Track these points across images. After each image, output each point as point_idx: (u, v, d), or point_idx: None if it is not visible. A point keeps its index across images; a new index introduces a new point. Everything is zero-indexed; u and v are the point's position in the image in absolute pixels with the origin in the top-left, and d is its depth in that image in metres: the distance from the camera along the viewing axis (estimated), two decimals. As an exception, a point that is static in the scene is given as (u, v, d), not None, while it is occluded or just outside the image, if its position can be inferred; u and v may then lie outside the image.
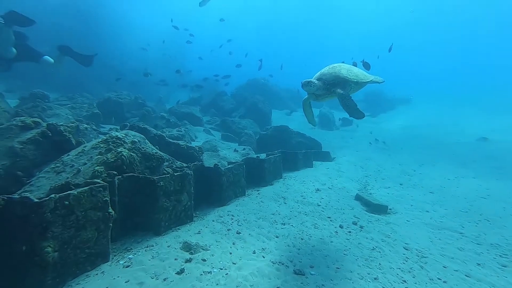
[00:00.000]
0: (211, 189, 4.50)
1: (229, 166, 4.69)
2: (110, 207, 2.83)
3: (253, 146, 8.39)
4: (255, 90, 19.21)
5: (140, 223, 3.49)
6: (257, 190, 5.33)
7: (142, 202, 3.46)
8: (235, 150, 6.63)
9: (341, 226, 4.08)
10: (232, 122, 12.00)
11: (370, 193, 5.85)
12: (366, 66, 7.00)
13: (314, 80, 3.80)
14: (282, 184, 5.85)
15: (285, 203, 4.80)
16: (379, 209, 4.85)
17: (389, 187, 6.51)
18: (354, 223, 4.22)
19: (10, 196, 2.25)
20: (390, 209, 4.98)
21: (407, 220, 4.56)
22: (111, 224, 2.84)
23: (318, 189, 5.70)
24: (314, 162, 8.01)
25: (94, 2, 19.54)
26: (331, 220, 4.28)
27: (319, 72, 4.00)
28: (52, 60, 6.99)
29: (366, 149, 11.60)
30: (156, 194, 3.42)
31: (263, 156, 6.23)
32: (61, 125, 4.31)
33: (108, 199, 2.81)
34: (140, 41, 21.65)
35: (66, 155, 3.75)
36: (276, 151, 6.59)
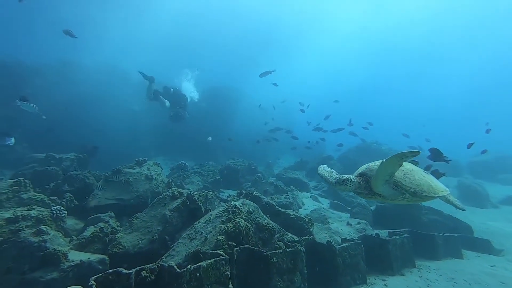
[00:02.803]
0: (325, 271, 4.01)
1: (344, 244, 4.15)
2: (230, 283, 2.94)
3: (368, 219, 7.26)
4: (366, 154, 17.61)
5: (254, 302, 3.41)
6: (383, 280, 4.30)
7: (256, 279, 3.44)
8: (348, 224, 5.92)
9: None
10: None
11: None
12: (437, 174, 4.61)
13: (351, 177, 3.04)
14: (418, 277, 4.49)
15: (427, 305, 3.59)
16: None
17: None
18: None
19: (163, 264, 2.73)
20: None
21: None
22: (229, 301, 2.90)
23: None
24: (463, 251, 5.98)
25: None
26: None
27: (368, 164, 3.20)
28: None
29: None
30: (270, 272, 3.34)
31: (384, 234, 5.22)
32: (196, 194, 5.26)
33: (229, 273, 2.95)
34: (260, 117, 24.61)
35: (197, 222, 4.42)
36: (401, 230, 5.41)
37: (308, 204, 9.56)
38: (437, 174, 4.29)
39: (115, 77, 20.94)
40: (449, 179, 16.51)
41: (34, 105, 8.98)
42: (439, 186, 3.11)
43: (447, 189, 3.19)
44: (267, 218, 4.70)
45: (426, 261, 5.28)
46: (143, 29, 33.56)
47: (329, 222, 5.83)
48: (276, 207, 5.60)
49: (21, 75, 15.35)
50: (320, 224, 5.61)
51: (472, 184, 12.89)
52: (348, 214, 8.08)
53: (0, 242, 3.36)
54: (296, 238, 4.20)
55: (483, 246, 6.33)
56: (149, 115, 19.32)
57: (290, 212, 5.40)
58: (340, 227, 5.58)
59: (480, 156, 19.67)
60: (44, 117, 9.55)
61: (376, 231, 5.51)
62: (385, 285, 4.13)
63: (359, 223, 5.91)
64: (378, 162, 3.03)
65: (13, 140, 6.46)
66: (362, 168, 3.16)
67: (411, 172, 3.00)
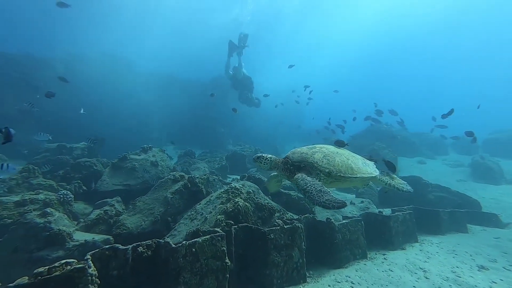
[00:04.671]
0: (324, 247, 4.03)
1: (344, 221, 4.13)
2: (227, 257, 2.99)
3: (374, 199, 7.20)
4: (376, 137, 17.17)
5: (252, 278, 3.48)
6: (383, 254, 4.31)
7: (254, 255, 3.49)
8: (352, 203, 5.88)
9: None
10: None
11: None
12: (390, 166, 4.48)
13: (267, 156, 3.15)
14: (418, 250, 4.50)
15: (426, 278, 3.58)
16: None
17: None
18: None
19: (159, 240, 2.80)
20: None
21: None
22: (228, 275, 2.96)
23: (482, 267, 3.96)
24: (469, 226, 5.86)
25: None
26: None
27: (295, 148, 3.31)
28: None
29: None
30: (267, 248, 3.38)
31: (387, 211, 5.17)
32: (197, 177, 5.33)
33: (225, 248, 3.00)
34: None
35: (198, 203, 4.49)
36: (405, 207, 5.34)
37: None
38: (390, 166, 4.29)
39: (122, 68, 21.05)
40: (464, 157, 16.06)
41: (82, 110, 10.65)
42: (362, 169, 3.09)
43: (374, 173, 3.17)
44: (267, 199, 4.72)
45: (430, 236, 5.25)
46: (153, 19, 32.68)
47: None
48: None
49: (31, 68, 15.64)
50: (322, 204, 5.59)
51: (485, 161, 12.49)
52: (354, 195, 8.02)
53: (9, 223, 3.53)
54: (295, 216, 4.21)
55: (490, 220, 6.24)
56: (160, 105, 19.49)
57: (292, 192, 5.40)
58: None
59: (495, 134, 18.91)
60: (83, 111, 10.81)
61: (380, 210, 5.46)
62: (384, 258, 4.14)
63: (362, 202, 5.87)
64: (305, 148, 3.11)
65: (50, 136, 6.81)
66: (291, 150, 3.23)
67: (332, 155, 3.02)
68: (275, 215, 4.29)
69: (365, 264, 3.96)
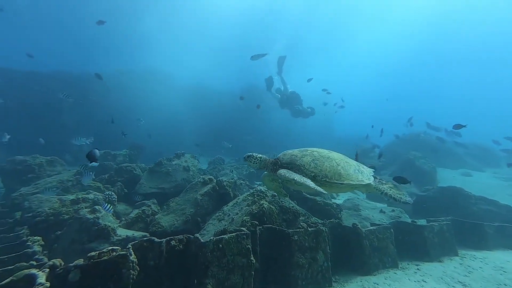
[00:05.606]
0: (351, 253, 3.96)
1: (372, 228, 4.03)
2: (252, 255, 3.13)
3: (407, 209, 6.81)
4: (413, 146, 16.02)
5: (277, 278, 3.56)
6: (416, 265, 4.08)
7: (279, 255, 3.58)
8: (382, 211, 5.65)
9: None
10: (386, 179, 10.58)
11: None
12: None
13: (257, 155, 3.20)
14: (458, 264, 4.17)
15: (466, 292, 3.33)
16: None
17: None
18: None
19: (189, 235, 3.05)
20: None
21: None
22: (253, 272, 3.09)
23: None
24: None
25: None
26: None
27: (287, 151, 3.31)
28: None
29: None
30: (291, 249, 3.45)
31: (422, 222, 4.89)
32: (225, 181, 5.59)
33: (250, 247, 3.14)
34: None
35: (225, 205, 4.73)
36: (442, 218, 4.99)
37: (343, 194, 9.27)
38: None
39: (160, 82, 22.82)
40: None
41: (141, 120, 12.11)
42: (352, 176, 2.99)
43: (366, 180, 3.01)
44: (292, 202, 4.79)
45: (473, 251, 4.80)
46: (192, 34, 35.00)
47: (360, 209, 5.64)
48: (303, 193, 5.63)
49: (87, 83, 17.73)
50: (350, 211, 5.47)
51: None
52: (385, 204, 7.64)
53: (67, 218, 4.10)
54: (320, 221, 4.21)
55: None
56: (193, 115, 20.69)
57: (318, 198, 5.38)
58: (372, 214, 5.37)
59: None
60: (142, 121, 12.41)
61: (413, 220, 5.17)
62: (418, 269, 3.92)
63: (393, 210, 5.60)
64: (296, 151, 3.13)
65: (87, 141, 7.85)
66: (283, 152, 3.27)
67: (322, 159, 2.98)
68: (300, 218, 4.34)
69: (395, 273, 3.80)
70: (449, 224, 4.67)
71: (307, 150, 3.18)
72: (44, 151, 7.71)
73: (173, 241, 2.96)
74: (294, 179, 2.81)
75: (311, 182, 2.81)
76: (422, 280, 3.59)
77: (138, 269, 2.49)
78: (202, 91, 24.30)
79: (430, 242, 4.29)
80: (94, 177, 4.98)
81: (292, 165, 3.05)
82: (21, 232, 3.74)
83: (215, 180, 5.41)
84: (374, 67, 48.61)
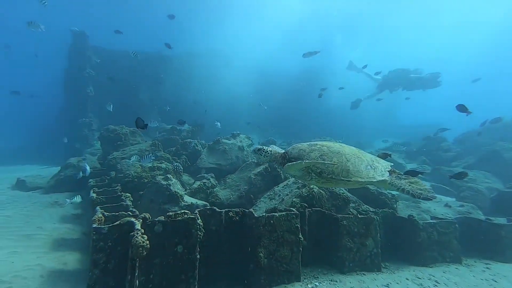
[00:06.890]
0: (405, 244, 3.86)
1: (432, 221, 3.80)
2: (300, 234, 3.36)
3: (483, 206, 5.99)
4: (499, 135, 13.38)
5: (326, 256, 3.75)
6: (486, 264, 3.77)
7: (327, 237, 3.73)
8: (447, 205, 5.15)
9: None
10: (450, 172, 9.37)
11: None
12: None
13: (268, 149, 3.01)
14: (541, 269, 3.67)
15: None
16: None
17: None
18: None
19: (245, 209, 3.43)
20: None
21: None
22: (301, 249, 3.34)
23: None
24: None
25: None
26: None
27: (296, 144, 3.18)
28: None
29: None
30: (339, 232, 3.56)
31: (502, 221, 4.35)
32: (277, 163, 5.84)
33: (298, 226, 3.37)
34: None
35: (276, 186, 5.01)
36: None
37: (402, 184, 8.62)
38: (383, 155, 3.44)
39: (221, 62, 23.83)
40: None
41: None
42: (362, 172, 2.76)
43: (378, 177, 2.76)
44: (343, 189, 4.78)
45: None
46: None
47: (420, 201, 5.25)
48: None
49: (158, 63, 19.82)
50: (407, 202, 5.15)
51: None
52: (454, 199, 6.87)
53: (146, 182, 4.98)
54: (372, 209, 4.15)
55: None
56: (249, 96, 21.34)
57: (371, 186, 5.21)
58: (434, 207, 4.96)
59: None
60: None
61: (488, 218, 4.59)
62: (487, 268, 3.65)
63: (462, 205, 5.06)
64: (305, 144, 3.01)
65: (157, 123, 9.22)
66: (293, 145, 3.17)
67: (331, 154, 2.82)
68: (350, 205, 4.34)
69: (457, 268, 3.61)
70: (534, 228, 4.04)
71: (317, 144, 3.09)
72: (126, 124, 9.19)
73: (231, 212, 3.37)
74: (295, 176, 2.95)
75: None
76: (492, 279, 3.32)
77: (204, 231, 2.98)
78: (258, 73, 24.56)
79: (508, 242, 3.87)
80: (153, 158, 5.69)
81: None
82: (116, 188, 4.74)
83: (267, 163, 5.71)
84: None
